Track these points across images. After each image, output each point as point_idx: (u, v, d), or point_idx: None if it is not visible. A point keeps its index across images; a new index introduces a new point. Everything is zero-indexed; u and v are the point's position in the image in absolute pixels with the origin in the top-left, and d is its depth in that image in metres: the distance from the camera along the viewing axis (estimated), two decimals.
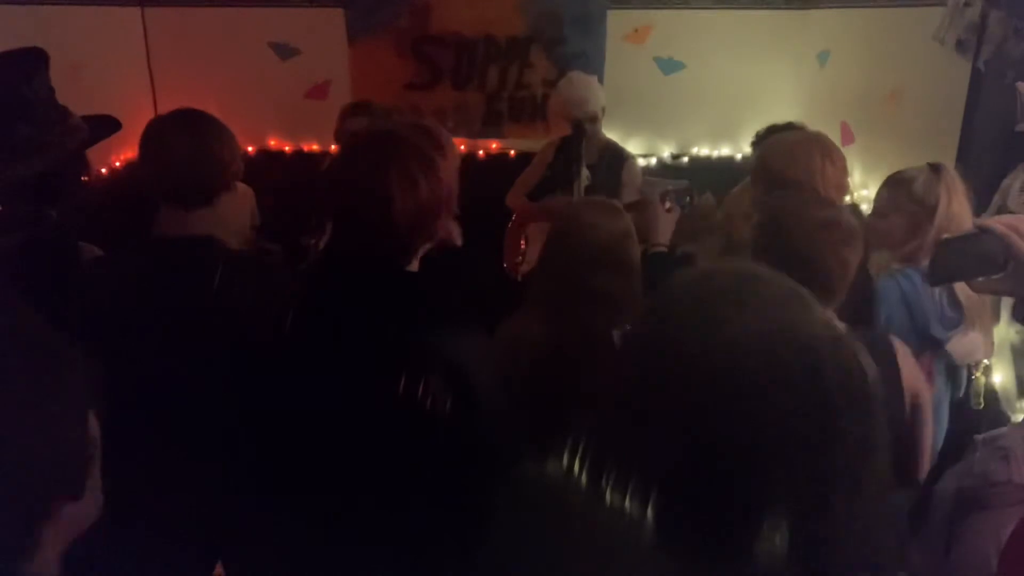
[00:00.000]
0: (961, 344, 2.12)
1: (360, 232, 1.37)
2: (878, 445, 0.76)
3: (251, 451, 1.45)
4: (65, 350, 0.86)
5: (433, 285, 1.43)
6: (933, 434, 1.90)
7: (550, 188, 3.35)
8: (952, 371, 2.25)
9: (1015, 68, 2.72)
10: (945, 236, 1.26)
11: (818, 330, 0.75)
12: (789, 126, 2.65)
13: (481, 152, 4.45)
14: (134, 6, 4.24)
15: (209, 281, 1.68)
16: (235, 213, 1.95)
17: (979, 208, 2.43)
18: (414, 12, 4.27)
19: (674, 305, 0.82)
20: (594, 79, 3.40)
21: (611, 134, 3.54)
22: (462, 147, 4.44)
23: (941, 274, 1.30)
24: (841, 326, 1.50)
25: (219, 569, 1.84)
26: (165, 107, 1.93)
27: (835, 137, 3.05)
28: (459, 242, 1.48)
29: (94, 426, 0.87)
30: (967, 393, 2.33)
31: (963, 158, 2.89)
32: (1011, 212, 2.54)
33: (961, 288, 2.06)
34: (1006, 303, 2.34)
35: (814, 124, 2.87)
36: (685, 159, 4.46)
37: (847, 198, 2.47)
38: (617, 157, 3.37)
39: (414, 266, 1.43)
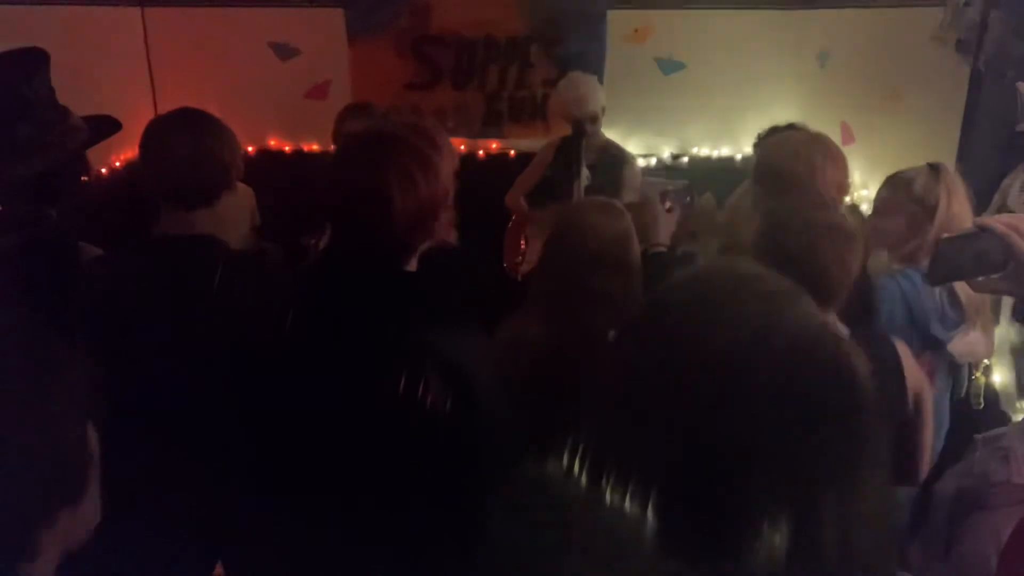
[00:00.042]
0: (962, 344, 2.12)
1: (359, 231, 1.37)
2: (873, 443, 0.76)
3: (251, 451, 1.45)
4: (64, 353, 0.86)
5: (432, 285, 1.43)
6: (933, 434, 1.90)
7: (550, 188, 3.35)
8: (953, 371, 2.25)
9: (1015, 68, 2.72)
10: (945, 235, 1.26)
11: (811, 330, 0.75)
12: (791, 127, 2.65)
13: (481, 152, 4.45)
14: (134, 6, 4.24)
15: (209, 280, 1.68)
16: (235, 213, 1.95)
17: (979, 208, 2.43)
18: (414, 12, 4.26)
19: (667, 305, 0.82)
20: (594, 79, 3.40)
21: (611, 134, 3.54)
22: (462, 147, 4.43)
23: (941, 273, 1.30)
24: (843, 329, 1.52)
25: (219, 569, 1.84)
26: (165, 107, 1.93)
27: (835, 137, 3.05)
28: (455, 241, 1.48)
29: (92, 436, 0.87)
30: (967, 393, 2.33)
31: (963, 158, 2.90)
32: (1011, 212, 2.54)
33: (962, 288, 2.06)
34: (1006, 303, 2.34)
35: (814, 124, 2.87)
36: (685, 159, 4.45)
37: (847, 198, 2.47)
38: (617, 157, 3.37)
39: (412, 266, 1.43)
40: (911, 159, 2.29)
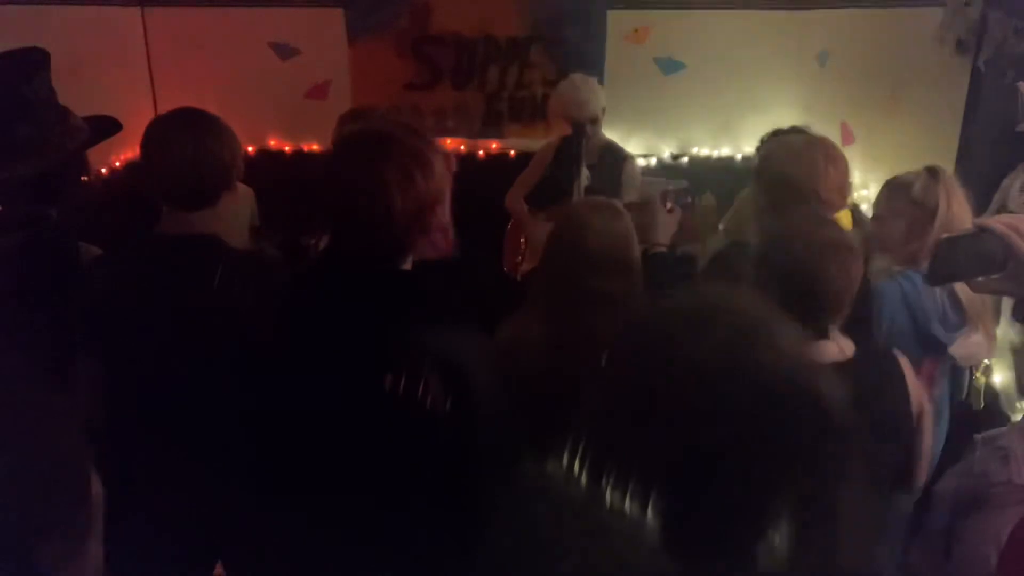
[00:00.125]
0: (964, 347, 2.12)
1: (359, 231, 1.37)
2: (846, 464, 0.81)
3: (251, 450, 1.45)
4: (61, 402, 0.85)
5: (432, 284, 1.43)
6: (933, 442, 1.91)
7: (550, 189, 3.35)
8: (954, 373, 2.25)
9: (1015, 68, 2.72)
10: (945, 235, 1.26)
11: (778, 368, 0.80)
12: (794, 130, 2.64)
13: (481, 152, 4.45)
14: (134, 6, 4.24)
15: (210, 280, 1.68)
16: (236, 213, 1.95)
17: (979, 208, 2.43)
18: (414, 12, 4.26)
19: (642, 338, 0.88)
20: (594, 81, 3.39)
21: (611, 134, 3.54)
22: (462, 147, 4.44)
23: (941, 273, 1.30)
24: (847, 343, 1.53)
25: (219, 569, 1.84)
26: (165, 107, 1.93)
27: (835, 137, 3.06)
28: (452, 251, 1.48)
29: (96, 481, 0.86)
30: (968, 393, 2.33)
31: (963, 158, 2.90)
32: (1011, 212, 2.54)
33: (963, 290, 2.06)
34: (1006, 303, 2.34)
35: (814, 124, 2.87)
36: (685, 159, 4.45)
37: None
38: (617, 157, 3.37)
39: (408, 265, 1.44)
40: (911, 159, 2.30)
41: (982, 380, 2.38)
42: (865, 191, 3.61)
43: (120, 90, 3.86)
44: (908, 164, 2.24)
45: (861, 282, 1.63)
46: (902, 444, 1.67)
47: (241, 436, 1.45)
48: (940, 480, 1.57)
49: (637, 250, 1.90)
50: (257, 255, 1.90)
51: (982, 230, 1.17)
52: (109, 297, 1.73)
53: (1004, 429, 1.49)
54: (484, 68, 4.37)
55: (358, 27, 4.29)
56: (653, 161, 4.41)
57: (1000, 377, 2.64)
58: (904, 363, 1.71)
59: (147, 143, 1.76)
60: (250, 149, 4.27)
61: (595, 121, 3.27)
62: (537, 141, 3.80)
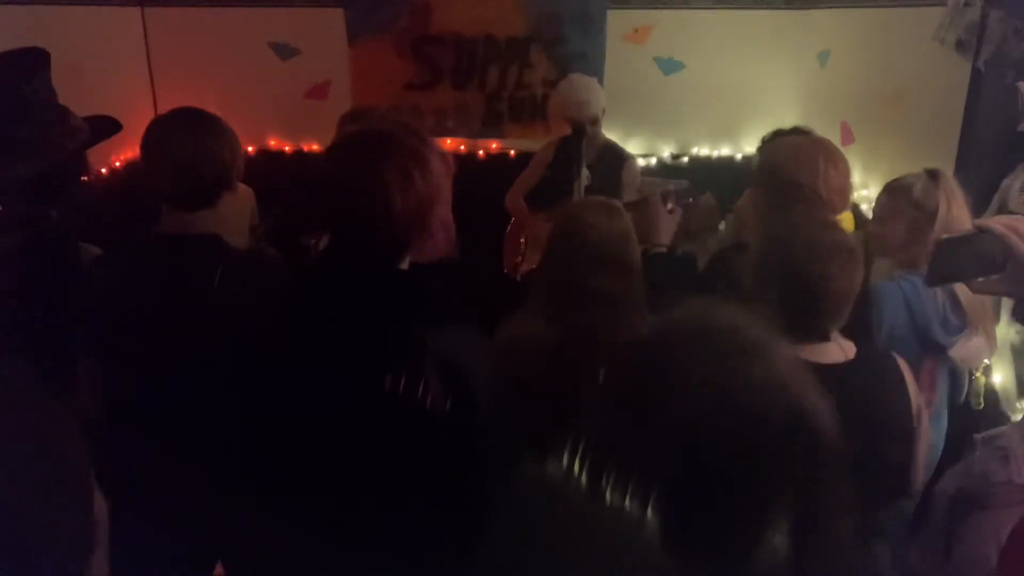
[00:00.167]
0: (965, 349, 2.12)
1: (359, 230, 1.37)
2: (835, 480, 0.84)
3: (251, 450, 1.45)
4: (63, 420, 0.85)
5: (431, 283, 1.43)
6: (931, 444, 1.91)
7: (550, 188, 3.35)
8: (954, 374, 2.25)
9: (1015, 68, 2.71)
10: (944, 236, 1.26)
11: (768, 392, 0.82)
12: (795, 130, 2.65)
13: (481, 152, 4.45)
14: (134, 6, 4.24)
15: (210, 280, 1.68)
16: (236, 213, 1.95)
17: (979, 208, 2.43)
18: (414, 12, 4.27)
19: (639, 359, 0.92)
20: (594, 81, 3.39)
21: (611, 134, 3.54)
22: (462, 147, 4.44)
23: (940, 274, 1.30)
24: (848, 345, 1.53)
25: (219, 569, 1.84)
26: (165, 107, 1.92)
27: (835, 137, 3.06)
28: (454, 251, 1.48)
29: (100, 499, 0.86)
30: (967, 394, 2.33)
31: (963, 158, 2.89)
32: (1011, 212, 2.54)
33: (963, 292, 2.06)
34: (1006, 303, 2.34)
35: (814, 124, 2.87)
36: (685, 159, 4.46)
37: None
38: (616, 157, 3.37)
39: (405, 264, 1.44)
40: (911, 159, 2.30)
41: (982, 380, 2.38)
42: (865, 191, 3.61)
43: (120, 90, 3.86)
44: (908, 164, 2.24)
45: (862, 286, 1.63)
46: (902, 445, 1.67)
47: (241, 436, 1.45)
48: (940, 480, 1.57)
49: (637, 250, 1.90)
50: (257, 255, 1.90)
51: (981, 231, 1.17)
52: (109, 297, 1.73)
53: (1004, 429, 1.49)
54: (484, 68, 4.37)
55: (358, 27, 4.29)
56: (653, 161, 4.41)
57: (1000, 377, 2.64)
58: (903, 365, 1.71)
59: (147, 143, 1.76)
60: (250, 149, 4.27)
61: (595, 121, 3.27)
62: (537, 141, 3.80)
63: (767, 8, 4.22)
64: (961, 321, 2.10)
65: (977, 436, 1.47)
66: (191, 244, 1.74)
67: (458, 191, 1.48)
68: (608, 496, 0.80)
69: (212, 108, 1.82)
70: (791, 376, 0.85)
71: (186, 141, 1.71)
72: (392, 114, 3.39)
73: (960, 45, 2.96)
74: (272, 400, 1.40)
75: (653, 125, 4.40)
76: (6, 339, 1.55)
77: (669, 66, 4.36)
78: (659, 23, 4.30)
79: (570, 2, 4.23)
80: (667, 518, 0.78)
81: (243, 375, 1.45)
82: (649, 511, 0.77)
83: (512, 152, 4.34)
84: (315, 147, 4.38)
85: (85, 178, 2.01)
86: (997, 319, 2.38)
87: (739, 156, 4.39)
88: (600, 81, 3.60)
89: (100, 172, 3.82)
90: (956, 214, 2.08)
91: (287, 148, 4.47)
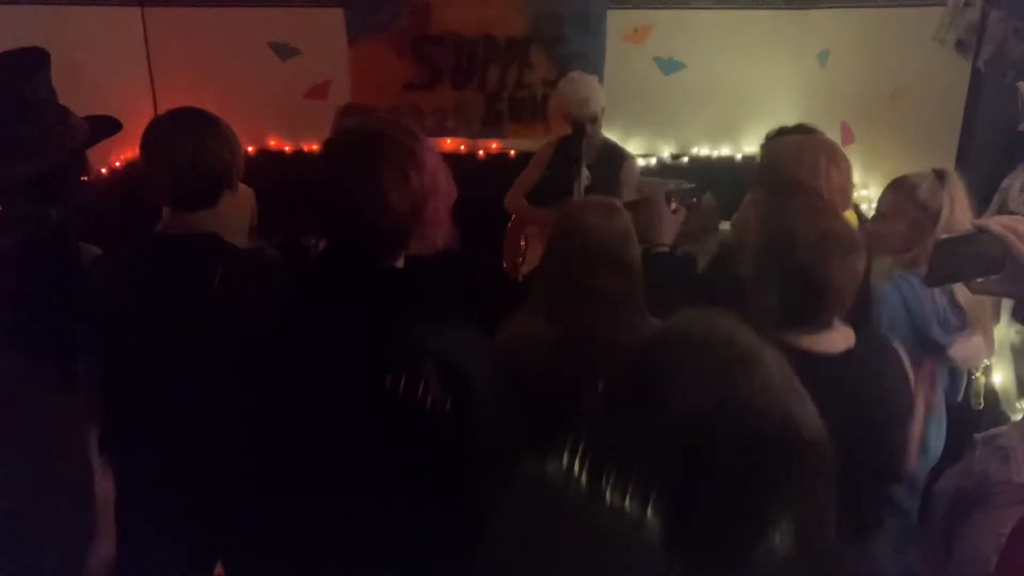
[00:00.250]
0: (964, 349, 2.12)
1: (355, 230, 1.37)
2: (825, 488, 0.86)
3: (251, 450, 1.45)
4: (61, 404, 0.85)
5: (431, 283, 1.43)
6: (921, 433, 1.91)
7: (550, 188, 3.34)
8: (953, 375, 2.25)
9: (1015, 68, 2.71)
10: (943, 236, 1.26)
11: (764, 390, 0.84)
12: (799, 128, 2.65)
13: (481, 152, 4.45)
14: (134, 6, 4.24)
15: (210, 279, 1.68)
16: (236, 213, 1.95)
17: (979, 208, 2.43)
18: (414, 12, 4.27)
19: (638, 369, 0.94)
20: (594, 79, 3.39)
21: (611, 134, 3.54)
22: (462, 147, 4.44)
23: (939, 274, 1.30)
24: (848, 332, 1.53)
25: (219, 569, 1.84)
26: (165, 107, 1.92)
27: (835, 137, 3.05)
28: (453, 243, 1.48)
29: (103, 480, 0.86)
30: (967, 393, 2.33)
31: (963, 158, 2.89)
32: (1011, 212, 2.54)
33: (962, 292, 2.06)
34: (1006, 303, 2.34)
35: (814, 124, 2.87)
36: (685, 159, 4.46)
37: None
38: (616, 157, 3.37)
39: (400, 263, 1.44)
40: (911, 159, 2.30)
41: (982, 380, 2.38)
42: (865, 191, 3.61)
43: (120, 90, 3.86)
44: (908, 164, 2.24)
45: (863, 280, 1.63)
46: (901, 429, 1.67)
47: (241, 436, 1.45)
48: (940, 480, 1.57)
49: (637, 249, 1.90)
50: (257, 255, 1.90)
51: (981, 231, 1.17)
52: (109, 297, 1.73)
53: (1004, 429, 1.49)
54: (484, 68, 4.37)
55: (358, 27, 4.29)
56: (653, 161, 4.41)
57: (1000, 377, 2.64)
58: (900, 349, 1.72)
59: (147, 143, 1.76)
60: (250, 149, 4.27)
61: (595, 120, 3.27)
62: (537, 141, 3.80)
63: (767, 8, 4.22)
64: (960, 320, 2.10)
65: (977, 436, 1.47)
66: (191, 244, 1.74)
67: (458, 191, 1.48)
68: (608, 496, 0.80)
69: (212, 108, 1.82)
70: (785, 384, 0.87)
71: (186, 141, 1.71)
72: (384, 112, 3.38)
73: (960, 45, 2.96)
74: (272, 400, 1.40)
75: (653, 125, 4.40)
76: (6, 339, 1.55)
77: (669, 66, 4.36)
78: (659, 23, 4.30)
79: (570, 2, 4.23)
80: (667, 518, 0.78)
81: (243, 375, 1.45)
82: (649, 511, 0.78)
83: (512, 152, 4.34)
84: (315, 147, 4.38)
85: (85, 178, 2.01)
86: (997, 319, 2.38)
87: (739, 156, 4.39)
88: (600, 81, 3.60)
89: (100, 172, 3.83)
90: (960, 217, 2.07)
91: (287, 148, 4.47)
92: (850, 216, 2.18)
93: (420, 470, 1.34)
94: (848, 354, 1.58)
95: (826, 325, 1.59)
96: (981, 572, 1.24)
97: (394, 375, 1.30)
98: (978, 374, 2.33)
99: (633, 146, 4.12)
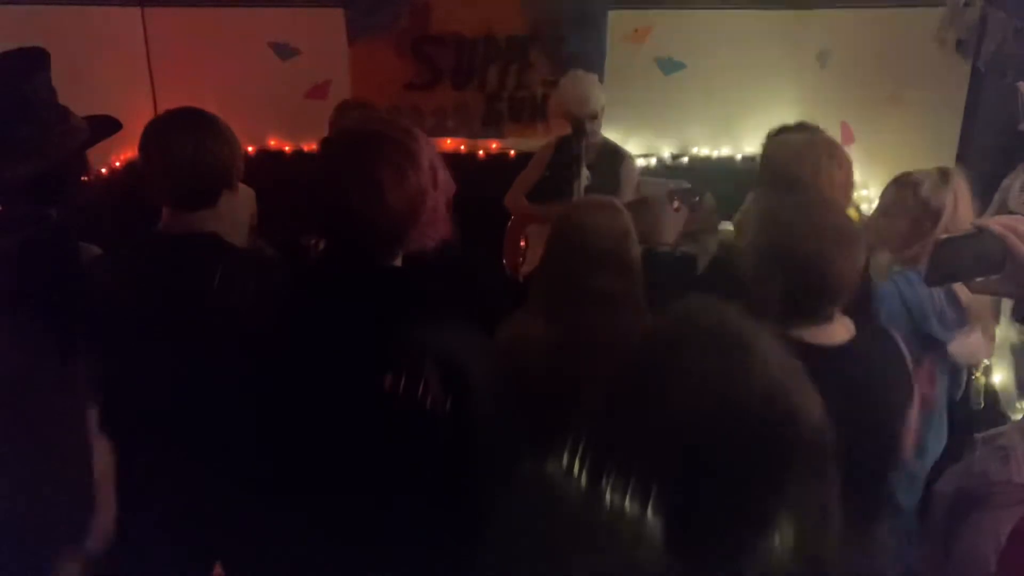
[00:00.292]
0: (964, 346, 2.12)
1: (354, 230, 1.37)
2: (827, 472, 0.86)
3: (250, 449, 1.45)
4: (60, 373, 0.85)
5: (431, 283, 1.43)
6: (917, 432, 1.91)
7: (550, 188, 3.34)
8: (953, 372, 2.25)
9: (1015, 68, 2.72)
10: (943, 236, 1.26)
11: (764, 379, 0.84)
12: (800, 126, 2.65)
13: (481, 152, 4.45)
14: (134, 6, 4.24)
15: (210, 279, 1.68)
16: (236, 213, 1.95)
17: (979, 208, 2.43)
18: (414, 12, 4.26)
19: (639, 361, 0.94)
20: (594, 78, 3.39)
21: (611, 134, 3.54)
22: (462, 147, 4.44)
23: (939, 274, 1.30)
24: (848, 322, 1.53)
25: (219, 569, 1.84)
26: (165, 107, 1.92)
27: (835, 137, 3.05)
28: (454, 239, 1.48)
29: (102, 453, 0.86)
30: (967, 393, 2.33)
31: (963, 158, 2.90)
32: (1011, 212, 2.54)
33: (962, 290, 2.06)
34: (1006, 303, 2.34)
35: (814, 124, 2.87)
36: (685, 159, 4.45)
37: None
38: (615, 156, 3.37)
39: (399, 262, 1.44)
40: (911, 159, 2.30)
41: (982, 380, 2.38)
42: (865, 191, 3.62)
43: (120, 90, 3.86)
44: (908, 164, 2.24)
45: (862, 275, 1.64)
46: (901, 419, 1.67)
47: (241, 435, 1.45)
48: (940, 480, 1.57)
49: (637, 249, 1.90)
50: (257, 255, 1.90)
51: (980, 231, 1.17)
52: (110, 297, 1.72)
53: (1004, 429, 1.49)
54: (484, 68, 4.37)
55: (358, 27, 4.29)
56: (653, 161, 4.41)
57: (1000, 377, 2.65)
58: (899, 339, 1.73)
59: (147, 143, 1.76)
60: (250, 149, 4.27)
61: (595, 118, 3.27)
62: (537, 141, 3.80)
63: (767, 8, 4.22)
64: (960, 317, 2.10)
65: (977, 436, 1.47)
66: (191, 244, 1.74)
67: (458, 191, 1.48)
68: (608, 496, 0.80)
69: (212, 108, 1.82)
70: (786, 374, 0.86)
71: (186, 141, 1.71)
72: (384, 112, 3.39)
73: (960, 45, 2.96)
74: (272, 400, 1.40)
75: (653, 125, 4.40)
76: (6, 339, 1.55)
77: (669, 66, 4.36)
78: (659, 23, 4.30)
79: (570, 2, 4.23)
80: (667, 518, 0.78)
81: (243, 375, 1.45)
82: (649, 511, 0.77)
83: (512, 152, 4.34)
84: (315, 147, 4.38)
85: (85, 178, 2.01)
86: (997, 319, 2.38)
87: (739, 156, 4.39)
88: (600, 81, 3.60)
89: (100, 172, 3.82)
90: (961, 216, 2.07)
91: (287, 148, 4.47)
92: (852, 214, 2.18)
93: (420, 470, 1.34)
94: (849, 344, 1.58)
95: (828, 318, 1.59)
96: (981, 572, 1.24)
97: (394, 375, 1.30)
98: (978, 374, 2.33)
99: (633, 146, 4.12)
